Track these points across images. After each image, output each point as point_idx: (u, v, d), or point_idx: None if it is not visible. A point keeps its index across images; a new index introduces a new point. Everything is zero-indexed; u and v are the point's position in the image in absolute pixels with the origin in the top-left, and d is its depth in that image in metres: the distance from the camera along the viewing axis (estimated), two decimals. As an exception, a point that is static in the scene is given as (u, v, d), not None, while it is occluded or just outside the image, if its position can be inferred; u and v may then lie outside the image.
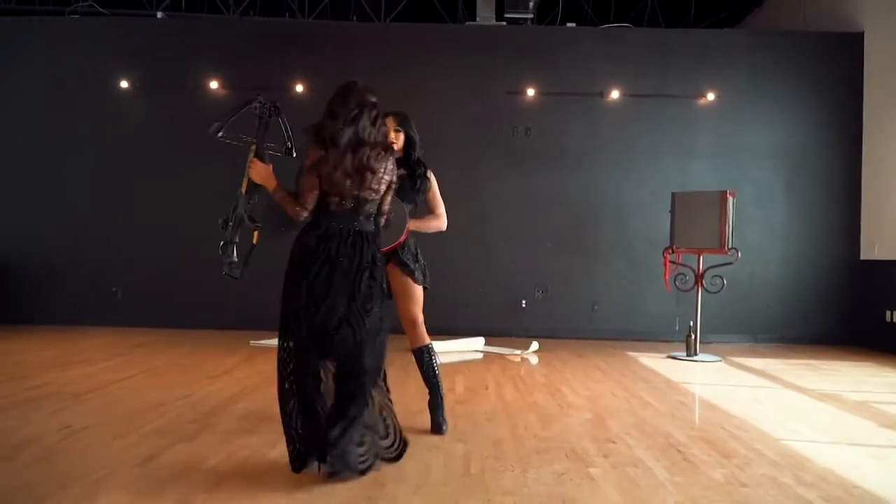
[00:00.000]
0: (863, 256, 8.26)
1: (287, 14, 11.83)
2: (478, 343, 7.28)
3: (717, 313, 7.66)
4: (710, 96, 8.29)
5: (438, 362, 3.90)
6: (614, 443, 3.68)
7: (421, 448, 3.47)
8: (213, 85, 8.29)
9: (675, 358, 6.87)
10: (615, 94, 8.29)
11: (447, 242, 8.25)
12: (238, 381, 5.15)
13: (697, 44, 8.54)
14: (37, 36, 8.37)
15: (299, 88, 8.28)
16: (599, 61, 8.37)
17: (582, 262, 8.34)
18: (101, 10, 9.04)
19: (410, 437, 3.36)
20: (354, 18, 12.09)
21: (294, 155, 3.24)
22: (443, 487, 2.92)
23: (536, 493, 2.87)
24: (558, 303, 8.32)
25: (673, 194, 7.18)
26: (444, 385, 4.02)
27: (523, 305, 8.33)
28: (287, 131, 3.27)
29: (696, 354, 6.83)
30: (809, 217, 8.33)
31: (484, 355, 6.92)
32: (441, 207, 3.94)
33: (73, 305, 8.13)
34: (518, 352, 6.90)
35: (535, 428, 3.97)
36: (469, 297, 8.18)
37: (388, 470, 3.08)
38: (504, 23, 9.53)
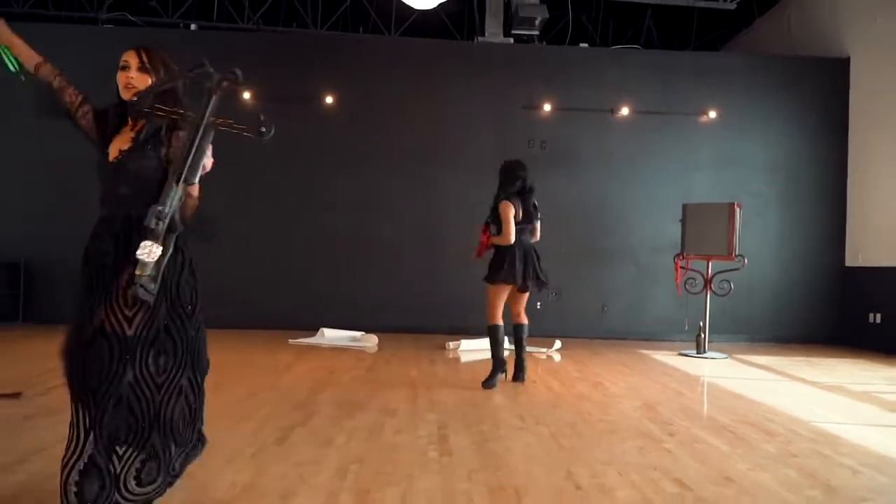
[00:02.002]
0: (848, 263, 9.00)
1: (294, 24, 12.30)
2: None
3: (717, 314, 8.29)
4: (712, 114, 8.96)
5: None
6: (671, 424, 4.26)
7: (509, 430, 3.99)
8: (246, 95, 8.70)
9: (685, 355, 7.49)
10: (625, 111, 8.92)
11: (471, 250, 8.80)
12: (308, 374, 5.61)
13: (699, 65, 9.23)
14: (67, 42, 8.65)
15: (329, 100, 8.72)
16: (610, 80, 8.99)
17: (592, 267, 8.93)
18: (132, 19, 9.39)
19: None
20: (361, 30, 12.61)
21: (265, 131, 2.21)
22: (548, 458, 3.45)
23: (628, 461, 3.42)
24: (571, 304, 8.90)
25: (684, 205, 7.81)
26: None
27: (538, 307, 8.87)
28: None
29: (705, 352, 7.46)
30: (800, 227, 9.04)
31: (510, 352, 7.45)
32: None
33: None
34: (543, 350, 7.46)
35: (597, 413, 4.52)
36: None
37: (500, 445, 3.61)
38: (511, 39, 10.12)
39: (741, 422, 4.37)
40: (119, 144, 2.38)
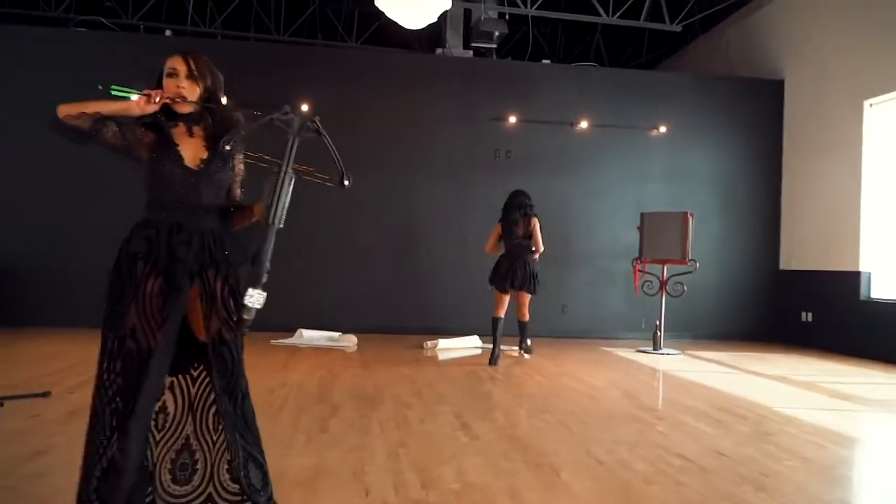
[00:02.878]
0: (782, 267, 9.88)
1: (253, 28, 12.48)
2: (475, 341, 8.28)
3: (651, 314, 8.91)
4: (662, 129, 9.68)
5: None
6: (656, 410, 4.83)
7: (519, 418, 4.47)
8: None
9: (643, 352, 8.13)
10: (584, 124, 9.53)
11: (439, 252, 9.26)
12: (309, 371, 5.94)
13: (651, 83, 9.96)
14: (42, 45, 8.65)
15: (304, 108, 9.01)
16: (570, 95, 9.59)
17: (554, 270, 9.47)
18: (108, 24, 9.43)
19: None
20: (320, 36, 12.90)
21: (347, 185, 2.43)
22: (565, 441, 3.94)
23: (633, 441, 3.94)
24: (534, 305, 9.42)
25: (642, 214, 8.46)
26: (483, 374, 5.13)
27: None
28: (336, 156, 2.43)
29: (660, 349, 8.13)
30: (739, 233, 9.86)
31: (482, 351, 7.94)
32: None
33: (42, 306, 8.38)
34: (515, 348, 7.96)
35: (589, 402, 5.05)
36: (459, 300, 9.17)
37: (518, 431, 4.06)
38: (471, 52, 10.64)
39: (714, 408, 4.97)
40: (195, 152, 2.44)
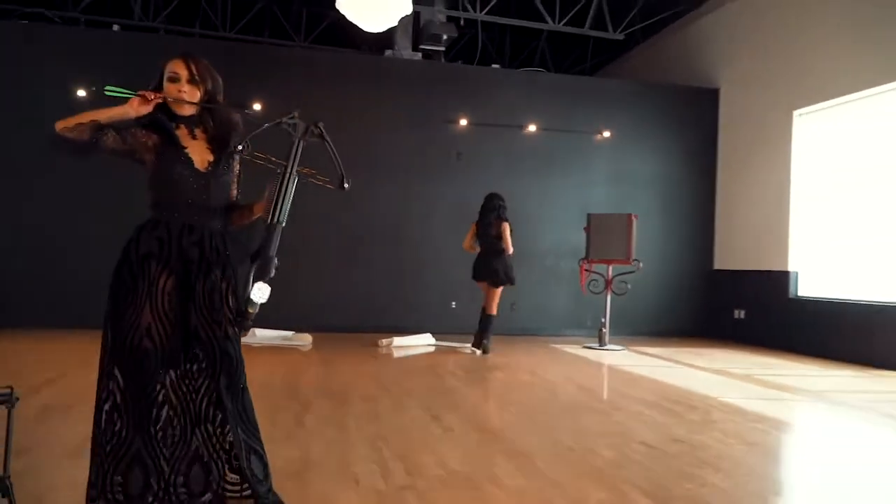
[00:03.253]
0: (716, 267, 10.40)
1: (198, 24, 12.32)
2: (429, 338, 8.45)
3: (601, 311, 9.27)
4: (606, 133, 10.06)
5: None
6: (611, 402, 5.10)
7: (487, 410, 4.66)
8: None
9: (590, 348, 8.46)
10: (532, 128, 9.82)
11: (391, 253, 9.40)
12: (272, 370, 6.00)
13: (596, 89, 10.34)
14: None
15: (257, 107, 9.00)
16: (519, 99, 9.87)
17: (502, 269, 9.76)
18: (53, 17, 9.18)
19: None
20: (267, 34, 12.84)
21: (347, 188, 2.56)
22: (533, 431, 4.15)
23: (596, 430, 4.19)
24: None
25: (589, 215, 8.79)
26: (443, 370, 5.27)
27: (453, 306, 9.61)
28: (337, 159, 2.55)
29: (606, 345, 8.47)
30: (677, 235, 10.34)
31: (436, 348, 8.13)
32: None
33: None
34: (468, 345, 8.17)
35: (548, 395, 5.30)
36: (413, 299, 9.33)
37: (488, 422, 4.25)
38: (419, 54, 10.80)
39: (664, 399, 5.28)
40: (201, 154, 2.51)
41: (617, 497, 2.94)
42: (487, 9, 10.69)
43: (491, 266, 7.43)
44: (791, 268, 8.91)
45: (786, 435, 4.39)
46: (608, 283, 8.71)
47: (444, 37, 10.96)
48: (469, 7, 10.67)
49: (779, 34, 9.20)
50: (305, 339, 8.05)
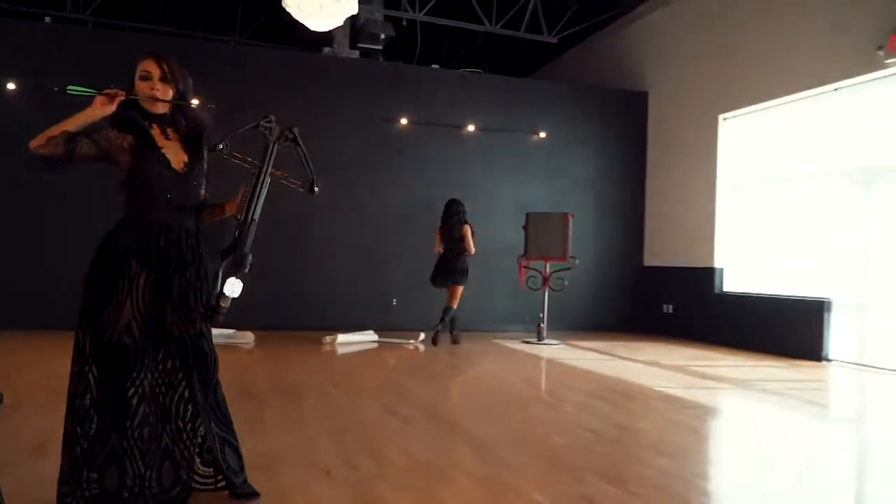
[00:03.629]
0: (646, 263, 10.85)
1: (129, 17, 12.01)
2: (371, 335, 8.54)
3: (539, 307, 9.56)
4: (542, 134, 10.35)
5: None
6: (557, 393, 5.33)
7: (438, 404, 4.82)
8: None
9: (529, 342, 8.73)
10: (471, 128, 10.03)
11: (331, 250, 9.44)
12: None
13: (532, 90, 10.62)
14: None
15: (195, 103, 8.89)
16: (458, 99, 10.05)
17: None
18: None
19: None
20: (201, 29, 12.62)
21: (316, 191, 2.79)
22: (486, 421, 4.33)
23: (547, 419, 4.41)
24: (422, 300, 9.82)
25: (527, 214, 9.05)
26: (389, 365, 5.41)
27: (394, 302, 9.73)
28: (308, 164, 2.77)
29: (543, 339, 8.75)
30: (609, 232, 10.73)
31: (379, 344, 8.23)
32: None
33: None
34: (411, 341, 8.31)
35: (497, 388, 5.49)
36: (353, 296, 9.40)
37: (443, 414, 4.40)
38: (357, 52, 10.86)
39: (605, 389, 5.55)
40: (177, 154, 2.56)
41: (575, 479, 3.13)
42: (426, 10, 10.83)
43: (455, 267, 8.18)
44: (717, 264, 9.41)
45: (719, 420, 4.71)
46: (546, 279, 9.00)
47: (382, 36, 11.06)
48: (408, 7, 10.78)
49: (705, 42, 9.68)
50: (248, 338, 8.02)
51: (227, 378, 5.26)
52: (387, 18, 11.06)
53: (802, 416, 5.04)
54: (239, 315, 8.63)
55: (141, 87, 2.52)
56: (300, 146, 2.75)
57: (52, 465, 2.53)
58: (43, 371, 5.41)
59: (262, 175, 2.65)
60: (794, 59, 8.15)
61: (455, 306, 8.26)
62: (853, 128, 7.63)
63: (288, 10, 6.53)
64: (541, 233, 8.93)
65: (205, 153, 2.73)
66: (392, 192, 9.71)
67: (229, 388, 4.33)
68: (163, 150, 2.56)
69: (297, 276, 9.26)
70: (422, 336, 8.52)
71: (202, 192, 2.75)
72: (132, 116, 2.53)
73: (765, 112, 8.80)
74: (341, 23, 6.78)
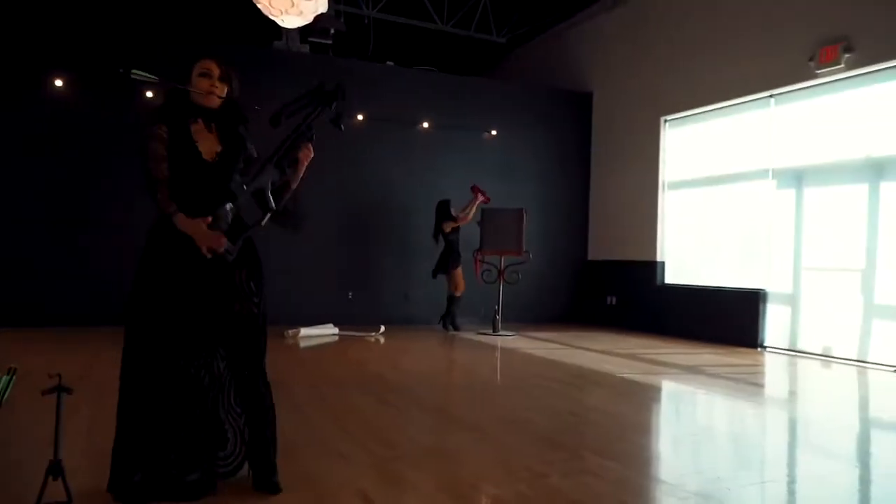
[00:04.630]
0: (590, 258, 11.34)
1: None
2: (333, 328, 8.68)
3: (490, 300, 9.87)
4: (493, 131, 10.68)
5: None
6: (527, 380, 5.65)
7: (410, 388, 5.06)
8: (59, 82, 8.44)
9: (484, 334, 9.04)
10: (425, 125, 10.25)
11: (286, 245, 9.51)
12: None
13: (483, 89, 10.92)
14: None
15: (149, 94, 8.81)
16: (412, 96, 10.26)
17: (397, 260, 10.16)
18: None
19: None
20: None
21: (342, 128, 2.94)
22: (458, 407, 4.59)
23: (527, 405, 4.71)
24: (377, 294, 10.03)
25: (483, 210, 9.36)
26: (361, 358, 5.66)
27: (349, 296, 9.88)
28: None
29: (499, 331, 9.09)
30: (556, 228, 11.16)
31: (340, 338, 8.39)
32: None
33: None
34: (372, 334, 8.50)
35: (467, 377, 5.76)
36: (310, 290, 9.50)
37: (425, 400, 4.65)
38: (307, 46, 10.92)
39: (571, 376, 5.91)
40: (210, 146, 2.72)
41: (573, 456, 3.44)
42: (379, 6, 10.98)
43: (441, 259, 9.26)
44: (659, 258, 9.95)
45: (680, 401, 5.12)
46: (501, 273, 9.33)
47: (332, 30, 11.15)
48: (361, 4, 10.91)
49: (648, 47, 10.19)
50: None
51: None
52: (337, 14, 11.14)
53: (746, 396, 5.51)
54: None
55: (201, 82, 2.72)
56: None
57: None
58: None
59: (272, 159, 2.76)
60: (733, 68, 8.71)
61: (451, 293, 9.39)
62: (786, 132, 8.24)
63: (259, 6, 6.58)
64: (496, 228, 9.25)
65: (248, 145, 2.87)
66: (344, 188, 9.85)
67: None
68: (196, 142, 2.71)
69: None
70: (382, 328, 8.72)
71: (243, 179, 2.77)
72: (171, 108, 2.72)
73: (705, 115, 9.36)
74: (311, 20, 6.87)
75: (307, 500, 2.69)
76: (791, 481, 3.29)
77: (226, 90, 2.77)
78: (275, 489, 2.75)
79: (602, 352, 7.67)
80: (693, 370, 6.65)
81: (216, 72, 2.74)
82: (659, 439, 3.92)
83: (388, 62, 10.76)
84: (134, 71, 2.56)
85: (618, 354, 7.48)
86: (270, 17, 6.79)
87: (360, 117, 9.91)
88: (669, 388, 5.65)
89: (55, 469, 2.31)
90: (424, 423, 4.11)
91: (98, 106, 8.54)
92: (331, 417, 4.13)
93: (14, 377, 2.48)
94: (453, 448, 3.57)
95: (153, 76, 2.61)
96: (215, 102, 2.75)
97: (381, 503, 2.68)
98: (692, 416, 4.93)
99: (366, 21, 11.26)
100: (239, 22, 11.82)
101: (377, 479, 3.00)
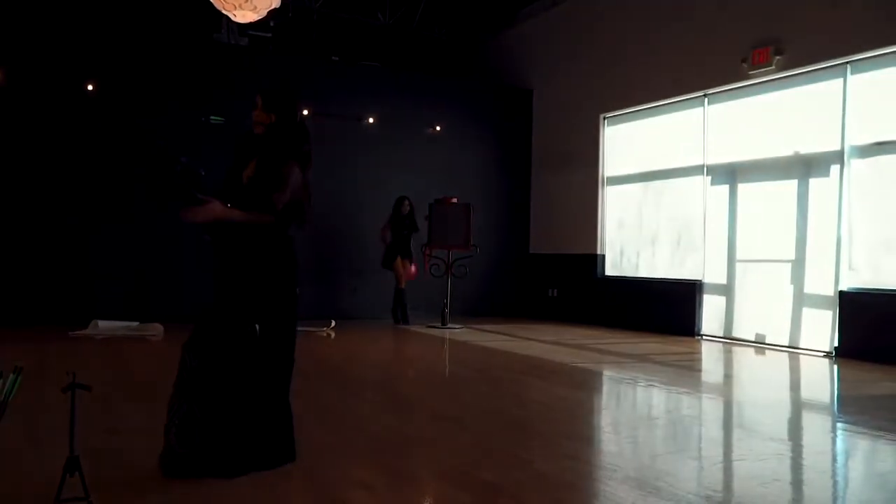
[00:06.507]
0: (531, 251, 11.62)
1: None
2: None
3: (436, 294, 10.02)
4: (438, 127, 10.80)
5: None
6: (487, 371, 5.82)
7: (379, 381, 5.16)
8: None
9: (433, 327, 9.17)
10: (371, 120, 10.28)
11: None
12: (163, 362, 5.96)
13: (428, 86, 11.03)
14: None
15: (90, 88, 8.55)
16: (358, 92, 10.27)
17: (344, 254, 10.17)
18: None
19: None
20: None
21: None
22: (428, 397, 4.72)
23: (493, 394, 4.87)
24: (325, 288, 10.01)
25: (430, 204, 9.47)
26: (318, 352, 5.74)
27: (297, 292, 9.82)
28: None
29: (447, 324, 9.24)
30: (499, 223, 11.39)
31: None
32: None
33: None
34: (324, 329, 8.51)
35: (429, 369, 5.89)
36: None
37: (394, 392, 4.74)
38: (246, 38, 10.79)
39: (529, 366, 6.11)
40: (248, 170, 3.08)
41: (550, 441, 3.61)
42: (321, 1, 10.92)
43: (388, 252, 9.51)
44: (599, 251, 10.29)
45: (637, 386, 5.37)
46: (448, 267, 9.48)
47: (271, 23, 11.02)
48: (306, -2, 10.82)
49: (587, 46, 10.51)
50: (156, 330, 7.88)
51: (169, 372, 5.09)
52: (284, 7, 11.01)
53: (694, 379, 5.83)
54: (149, 306, 8.52)
55: (253, 114, 3.06)
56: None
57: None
58: None
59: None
60: (669, 68, 9.10)
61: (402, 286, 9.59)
62: (720, 130, 8.67)
63: (212, 0, 6.50)
64: (444, 223, 9.39)
65: (273, 164, 3.02)
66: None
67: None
68: (240, 167, 3.09)
69: (204, 265, 9.13)
70: (333, 323, 8.73)
71: (272, 197, 2.97)
72: (240, 141, 3.17)
73: (643, 113, 9.73)
74: (265, 14, 6.82)
75: (311, 492, 2.76)
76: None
77: (271, 118, 3.02)
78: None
79: (551, 343, 7.91)
80: (639, 358, 6.95)
81: (259, 103, 3.03)
82: (621, 422, 4.14)
83: (334, 57, 10.72)
84: (212, 117, 2.76)
85: (566, 345, 7.74)
86: (223, 11, 6.72)
87: (304, 112, 9.84)
88: (621, 375, 5.91)
89: (72, 465, 2.31)
90: (402, 415, 4.21)
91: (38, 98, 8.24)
92: (306, 411, 4.17)
93: (20, 376, 2.47)
94: (436, 437, 3.68)
95: (221, 118, 2.84)
96: (260, 130, 3.05)
97: (383, 492, 2.76)
98: (652, 398, 5.19)
99: (314, 18, 11.17)
100: (178, 13, 11.57)
101: (371, 469, 3.08)
